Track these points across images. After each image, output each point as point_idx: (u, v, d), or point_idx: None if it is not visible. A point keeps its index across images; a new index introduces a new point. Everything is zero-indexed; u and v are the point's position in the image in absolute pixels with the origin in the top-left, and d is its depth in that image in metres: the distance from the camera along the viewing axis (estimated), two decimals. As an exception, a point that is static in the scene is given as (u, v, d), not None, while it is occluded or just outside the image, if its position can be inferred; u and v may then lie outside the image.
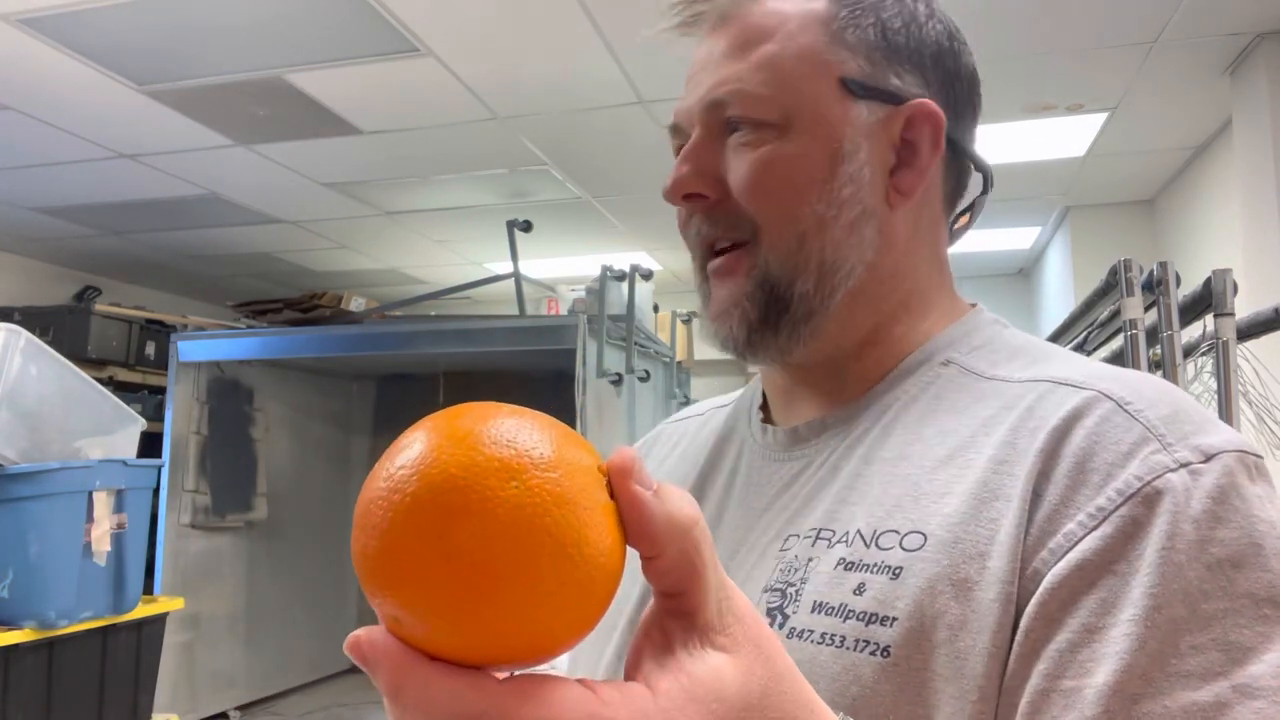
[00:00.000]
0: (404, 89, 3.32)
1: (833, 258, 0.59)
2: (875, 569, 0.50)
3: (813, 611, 0.51)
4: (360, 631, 0.30)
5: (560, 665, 0.63)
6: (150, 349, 5.12)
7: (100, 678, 2.71)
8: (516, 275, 3.90)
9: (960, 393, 0.57)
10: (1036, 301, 6.23)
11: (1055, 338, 2.24)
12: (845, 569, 0.52)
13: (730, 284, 0.61)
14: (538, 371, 4.43)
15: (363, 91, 3.34)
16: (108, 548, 2.66)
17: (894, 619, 0.48)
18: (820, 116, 0.58)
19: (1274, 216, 3.03)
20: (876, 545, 0.51)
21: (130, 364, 5.03)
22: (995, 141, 3.87)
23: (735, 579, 0.36)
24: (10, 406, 2.48)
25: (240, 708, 4.46)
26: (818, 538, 0.55)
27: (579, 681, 0.30)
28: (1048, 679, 0.43)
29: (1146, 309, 1.67)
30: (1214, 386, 1.67)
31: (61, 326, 4.72)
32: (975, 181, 0.67)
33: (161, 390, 4.74)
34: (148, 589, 3.30)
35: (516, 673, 0.30)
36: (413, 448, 0.30)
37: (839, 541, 0.53)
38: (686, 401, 4.48)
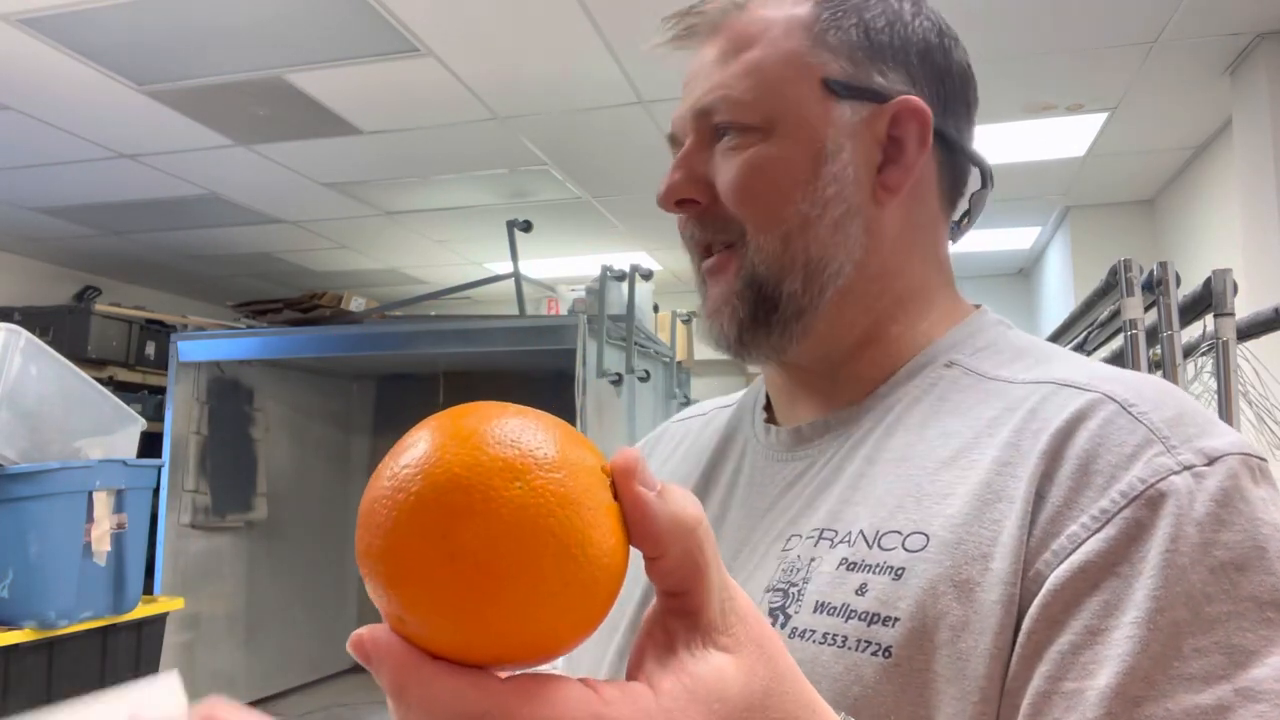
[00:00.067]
0: (404, 89, 3.32)
1: (819, 256, 0.59)
2: (877, 569, 0.50)
3: (815, 611, 0.51)
4: (363, 630, 0.30)
5: (557, 667, 0.63)
6: (150, 349, 5.12)
7: (100, 678, 2.71)
8: (516, 275, 3.90)
9: (963, 394, 0.57)
10: (1036, 301, 6.23)
11: (1055, 338, 2.24)
12: (848, 569, 0.52)
13: (722, 282, 0.62)
14: (538, 371, 4.43)
15: (363, 91, 3.34)
16: (108, 548, 2.66)
17: (896, 619, 0.48)
18: (802, 118, 0.59)
19: (1274, 216, 3.03)
20: (879, 546, 0.51)
21: (130, 364, 5.03)
22: (995, 141, 3.87)
23: (737, 578, 0.36)
24: (10, 406, 2.48)
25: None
26: (820, 538, 0.55)
27: (581, 681, 0.30)
28: (1050, 681, 0.43)
29: (1146, 309, 1.67)
30: (1214, 386, 1.67)
31: (61, 326, 4.72)
32: (975, 179, 0.67)
33: (161, 390, 4.74)
34: (148, 589, 3.30)
35: (519, 672, 0.30)
36: (417, 447, 0.30)
37: (841, 542, 0.53)
38: (687, 401, 4.48)
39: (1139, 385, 0.51)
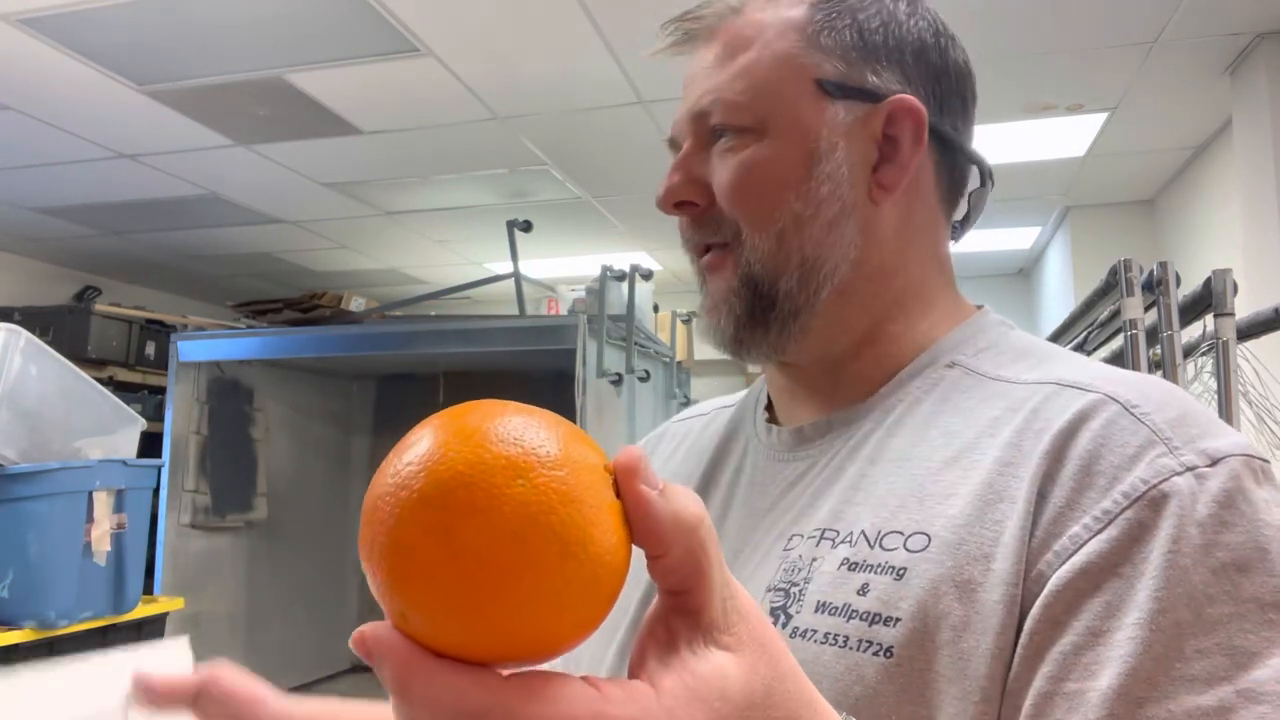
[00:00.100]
0: (404, 89, 3.32)
1: (814, 255, 0.60)
2: (879, 569, 0.50)
3: (816, 611, 0.51)
4: (366, 627, 0.30)
5: (555, 667, 0.63)
6: (150, 349, 5.11)
7: (100, 678, 2.70)
8: (516, 275, 3.90)
9: (965, 394, 0.57)
10: (1036, 301, 6.23)
11: (1055, 338, 2.24)
12: (849, 569, 0.52)
13: (720, 279, 0.63)
14: (538, 371, 4.42)
15: (363, 91, 3.34)
16: (108, 548, 2.66)
17: (897, 619, 0.48)
18: (796, 118, 0.60)
19: (1274, 216, 3.03)
20: (880, 546, 0.51)
21: (130, 364, 5.03)
22: (995, 141, 3.87)
23: (738, 578, 0.36)
24: (10, 406, 2.48)
25: None
26: (822, 538, 0.55)
27: (583, 679, 0.30)
28: (1051, 681, 0.43)
29: (1146, 309, 1.67)
30: (1214, 386, 1.67)
31: (61, 326, 4.72)
32: (975, 178, 0.67)
33: (161, 390, 4.74)
34: (148, 589, 3.29)
35: (521, 670, 0.30)
36: (420, 444, 0.30)
37: (843, 542, 0.53)
38: (687, 401, 4.47)
39: (1141, 386, 0.51)
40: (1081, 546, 0.45)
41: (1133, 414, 0.49)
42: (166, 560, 3.99)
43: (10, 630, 2.42)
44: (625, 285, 3.85)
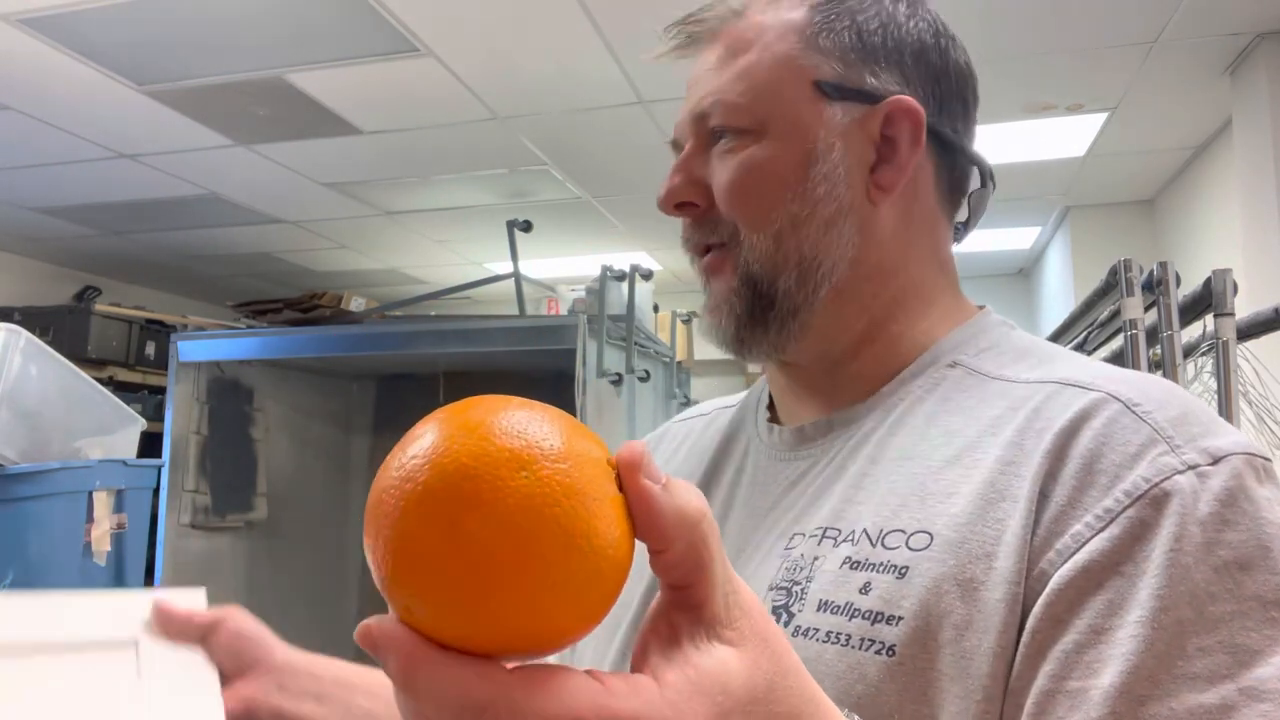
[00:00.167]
0: (404, 89, 3.32)
1: (812, 254, 0.60)
2: (881, 568, 0.50)
3: (818, 610, 0.51)
4: (371, 620, 0.30)
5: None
6: (150, 349, 5.11)
7: (100, 678, 2.71)
8: (516, 275, 3.89)
9: (967, 393, 0.57)
10: (1036, 301, 6.23)
11: (1055, 338, 2.24)
12: (851, 568, 0.52)
13: (720, 280, 0.63)
14: (538, 371, 4.42)
15: (363, 91, 3.34)
16: (108, 548, 2.66)
17: (900, 618, 0.48)
18: (793, 120, 0.60)
19: (1274, 216, 3.03)
20: (882, 544, 0.51)
21: (130, 364, 5.03)
22: (995, 141, 3.87)
23: (740, 577, 0.36)
24: (10, 406, 2.48)
25: None
26: (824, 536, 0.55)
27: (587, 672, 0.30)
28: (1054, 680, 0.44)
29: (1146, 309, 1.67)
30: (1214, 386, 1.67)
31: (61, 326, 4.72)
32: (976, 179, 0.67)
33: (161, 390, 4.74)
34: (148, 588, 3.29)
35: (525, 663, 0.30)
36: (425, 438, 0.30)
37: (845, 540, 0.53)
38: (687, 401, 4.47)
39: (1143, 385, 0.51)
40: (1083, 545, 0.45)
41: (1134, 412, 0.49)
42: (166, 560, 3.99)
43: (10, 630, 2.41)
44: (625, 285, 3.85)
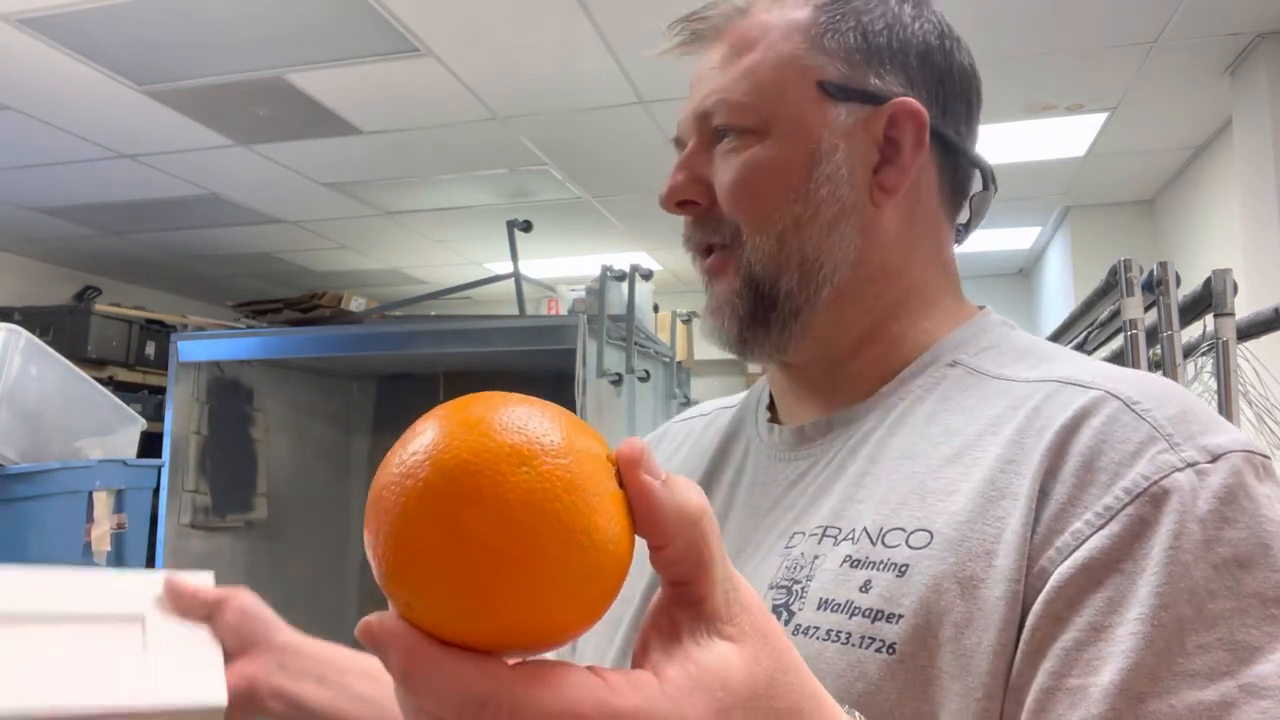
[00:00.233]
0: (404, 89, 3.32)
1: (814, 256, 0.60)
2: (881, 566, 0.50)
3: (819, 608, 0.51)
4: (372, 616, 0.30)
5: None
6: (150, 349, 5.11)
7: (100, 678, 2.71)
8: (516, 275, 3.89)
9: (967, 393, 0.57)
10: (1036, 301, 6.23)
11: (1055, 338, 2.24)
12: (851, 566, 0.52)
13: (722, 282, 0.63)
14: (538, 371, 4.42)
15: (363, 91, 3.34)
16: (108, 548, 2.66)
17: (900, 616, 0.48)
18: (797, 120, 0.60)
19: (1274, 216, 3.03)
20: (883, 543, 0.51)
21: (130, 364, 5.03)
22: (995, 141, 3.87)
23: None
24: (10, 406, 2.48)
25: None
26: (824, 535, 0.55)
27: (588, 668, 0.30)
28: (1054, 677, 0.44)
29: (1146, 309, 1.67)
30: (1214, 386, 1.67)
31: (61, 326, 4.72)
32: (978, 180, 0.67)
33: (161, 390, 4.74)
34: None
35: (527, 659, 0.30)
36: (425, 435, 0.30)
37: (845, 539, 0.53)
38: (687, 401, 4.47)
39: (1142, 383, 0.51)
40: (1083, 542, 0.46)
41: (1134, 411, 0.49)
42: (166, 560, 3.99)
43: (10, 630, 2.42)
44: (625, 285, 3.85)
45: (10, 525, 2.47)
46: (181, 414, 4.07)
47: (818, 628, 0.51)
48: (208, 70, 3.14)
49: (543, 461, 0.30)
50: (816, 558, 0.54)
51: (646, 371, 3.96)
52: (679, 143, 0.66)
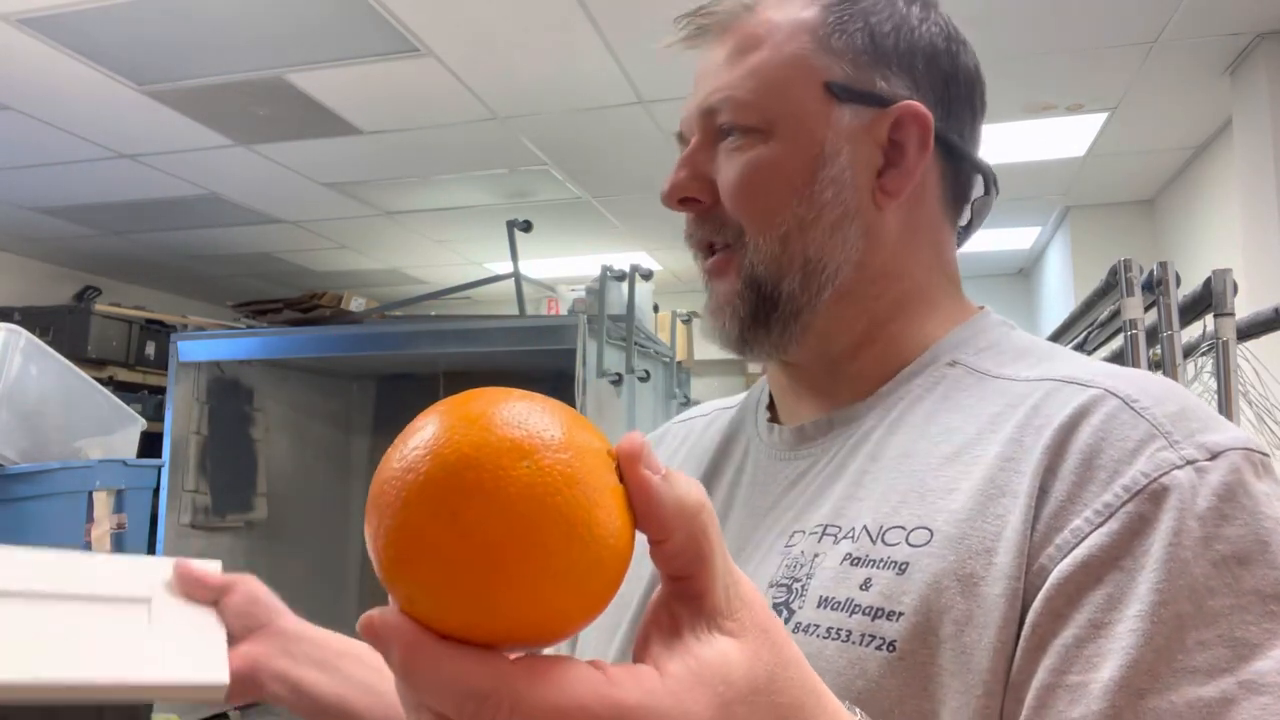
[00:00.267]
0: (404, 89, 3.32)
1: (817, 257, 0.60)
2: (881, 564, 0.51)
3: (819, 606, 0.51)
4: (374, 611, 0.30)
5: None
6: (150, 349, 5.12)
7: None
8: (516, 275, 3.90)
9: (966, 392, 0.57)
10: (1036, 301, 6.23)
11: (1055, 338, 2.24)
12: (851, 564, 0.52)
13: (724, 282, 0.63)
14: (538, 371, 4.42)
15: (363, 91, 3.34)
16: (108, 548, 2.66)
17: (900, 614, 0.48)
18: (802, 121, 0.60)
19: (1274, 216, 3.03)
20: (883, 541, 0.51)
21: (130, 364, 5.03)
22: (995, 141, 3.87)
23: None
24: (10, 406, 2.48)
25: (240, 708, 4.46)
26: (824, 534, 0.55)
27: (589, 663, 0.30)
28: (1054, 674, 0.44)
29: (1146, 309, 1.67)
30: (1214, 386, 1.67)
31: (61, 326, 4.72)
32: (980, 182, 0.67)
33: (161, 390, 4.74)
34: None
35: (527, 654, 0.30)
36: (426, 430, 0.31)
37: (845, 537, 0.53)
38: (687, 401, 4.47)
39: (1141, 381, 0.51)
40: (1083, 540, 0.46)
41: (1133, 408, 0.49)
42: (166, 560, 3.99)
43: (10, 630, 2.42)
44: (625, 285, 3.85)
45: (10, 525, 2.47)
46: (181, 414, 4.07)
47: (818, 626, 0.51)
48: (208, 70, 3.14)
49: (544, 456, 0.30)
50: (816, 556, 0.54)
51: (646, 371, 3.97)
52: (682, 138, 0.65)
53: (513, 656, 0.30)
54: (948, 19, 0.64)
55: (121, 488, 2.72)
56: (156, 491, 3.11)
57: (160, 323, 5.18)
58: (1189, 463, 0.46)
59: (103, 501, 2.65)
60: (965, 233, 0.68)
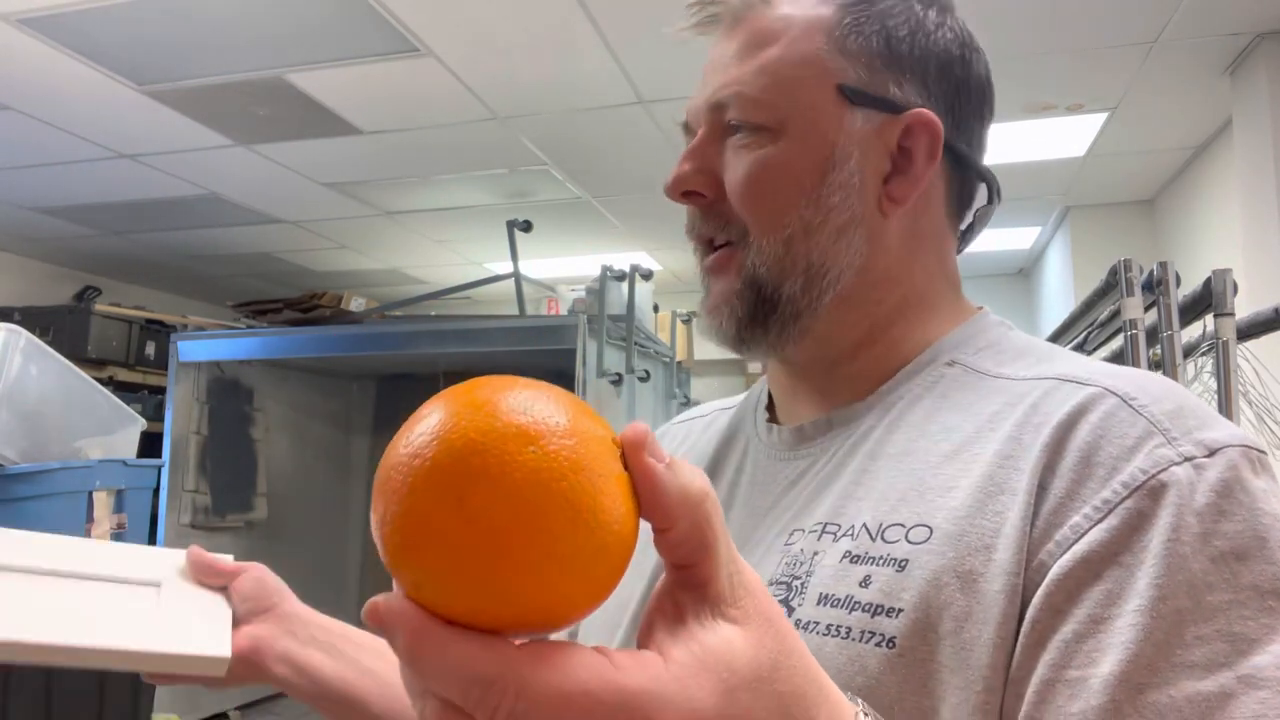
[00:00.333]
0: (404, 89, 3.33)
1: (820, 262, 0.60)
2: (881, 561, 0.51)
3: (819, 604, 0.52)
4: (379, 597, 0.30)
5: None
6: (150, 349, 5.12)
7: (100, 678, 2.71)
8: (516, 275, 3.90)
9: (965, 391, 0.57)
10: (1036, 301, 6.23)
11: (1055, 338, 2.24)
12: (851, 562, 0.52)
13: (723, 280, 0.62)
14: (538, 371, 4.42)
15: (363, 91, 3.35)
16: (108, 547, 2.66)
17: (900, 610, 0.48)
18: (814, 123, 0.59)
19: (1274, 216, 3.04)
20: (882, 538, 0.52)
21: (130, 364, 5.04)
22: (995, 141, 3.84)
23: None
24: (10, 406, 2.48)
25: (240, 708, 4.46)
26: (823, 532, 0.55)
27: (594, 649, 0.30)
28: (1054, 669, 0.44)
29: (1146, 309, 1.67)
30: (1214, 386, 1.67)
31: (61, 326, 4.72)
32: (983, 190, 0.67)
33: (161, 390, 4.74)
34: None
35: (532, 639, 0.30)
36: (432, 417, 0.31)
37: (844, 535, 0.54)
38: (687, 401, 4.48)
39: (1139, 380, 0.51)
40: (1082, 536, 0.46)
41: (1131, 406, 0.49)
42: (166, 560, 3.99)
43: (10, 629, 2.41)
44: (625, 285, 3.85)
45: (10, 525, 2.46)
46: (181, 414, 4.08)
47: (817, 623, 0.51)
48: (208, 70, 3.15)
49: (549, 442, 0.30)
50: (816, 554, 0.54)
51: (646, 371, 3.97)
52: (688, 128, 0.65)
53: (518, 642, 0.30)
54: (963, 24, 0.63)
55: (121, 488, 2.72)
56: (156, 491, 3.12)
57: (160, 323, 5.19)
58: (1187, 459, 0.46)
59: (103, 501, 2.65)
60: (965, 239, 0.68)
